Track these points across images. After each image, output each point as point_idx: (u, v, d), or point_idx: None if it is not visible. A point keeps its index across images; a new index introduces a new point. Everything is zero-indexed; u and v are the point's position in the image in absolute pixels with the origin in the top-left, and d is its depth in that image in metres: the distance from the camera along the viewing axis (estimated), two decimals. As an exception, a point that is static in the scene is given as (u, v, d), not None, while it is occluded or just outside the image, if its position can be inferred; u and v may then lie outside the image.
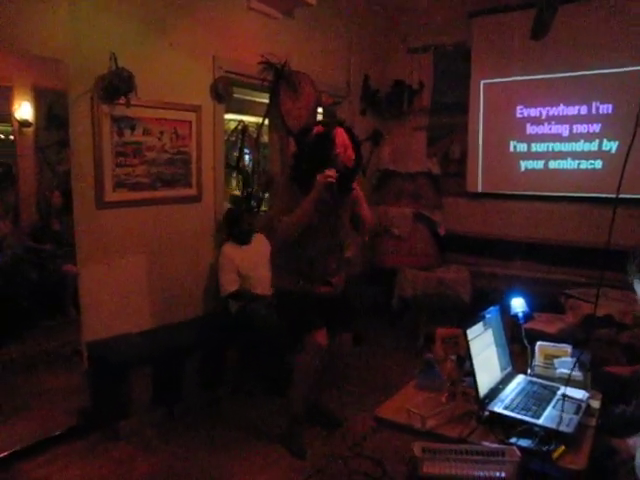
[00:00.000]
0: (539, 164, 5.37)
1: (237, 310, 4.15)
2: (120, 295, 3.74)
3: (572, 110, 5.15)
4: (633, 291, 1.70)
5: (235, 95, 4.67)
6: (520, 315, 2.75)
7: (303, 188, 3.05)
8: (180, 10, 3.93)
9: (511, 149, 5.49)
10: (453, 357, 2.44)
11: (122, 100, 3.50)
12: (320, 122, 3.23)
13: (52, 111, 3.39)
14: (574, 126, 5.16)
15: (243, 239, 4.26)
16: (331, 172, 2.96)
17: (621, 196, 1.72)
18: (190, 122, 4.06)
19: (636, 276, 1.64)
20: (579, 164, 5.17)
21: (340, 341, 3.47)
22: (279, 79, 4.60)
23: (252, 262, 4.17)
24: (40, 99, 3.32)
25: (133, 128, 3.69)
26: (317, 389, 3.65)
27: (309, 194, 3.02)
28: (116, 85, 3.43)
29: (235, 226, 4.25)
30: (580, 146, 5.15)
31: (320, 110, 5.19)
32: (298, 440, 3.33)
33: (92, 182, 3.51)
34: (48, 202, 3.45)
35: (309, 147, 3.09)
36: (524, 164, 5.44)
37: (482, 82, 5.58)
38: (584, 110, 5.10)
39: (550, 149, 5.29)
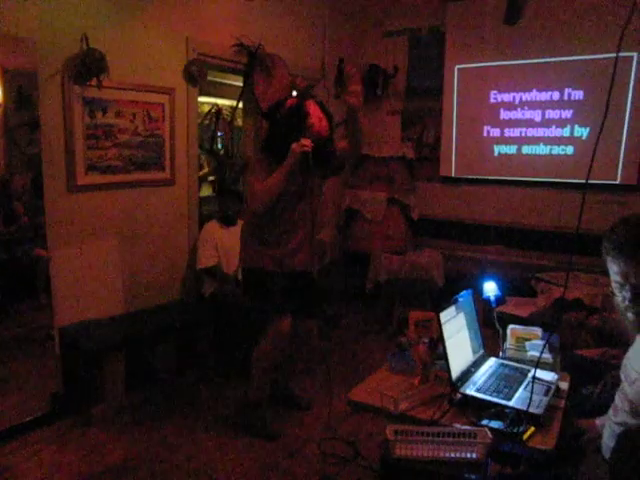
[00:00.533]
0: (512, 149, 5.41)
1: (211, 294, 4.14)
2: (93, 280, 3.70)
3: (545, 96, 5.20)
4: (606, 273, 1.72)
5: (209, 78, 4.61)
6: (492, 299, 2.77)
7: (278, 161, 3.03)
8: (152, -10, 3.85)
9: (485, 134, 5.53)
10: (426, 340, 2.46)
11: (94, 81, 3.43)
12: (292, 95, 3.20)
13: (22, 91, 3.31)
14: (546, 111, 5.20)
15: (228, 221, 4.27)
16: (306, 141, 2.97)
17: (591, 182, 1.74)
18: (163, 104, 4.00)
19: (610, 253, 1.66)
20: (551, 150, 5.23)
21: (306, 329, 3.45)
22: (253, 62, 4.56)
23: (232, 244, 4.15)
24: (9, 79, 3.23)
25: (105, 110, 3.62)
26: (285, 374, 3.67)
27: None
28: (87, 66, 3.36)
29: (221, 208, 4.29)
30: (552, 132, 5.20)
31: (294, 94, 5.15)
32: (265, 424, 3.33)
33: (63, 165, 3.45)
34: (8, 185, 3.36)
35: (283, 119, 3.07)
36: (497, 149, 5.49)
37: (456, 67, 5.59)
38: (556, 96, 5.15)
39: (523, 134, 5.34)
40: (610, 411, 1.82)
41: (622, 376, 1.80)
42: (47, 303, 3.43)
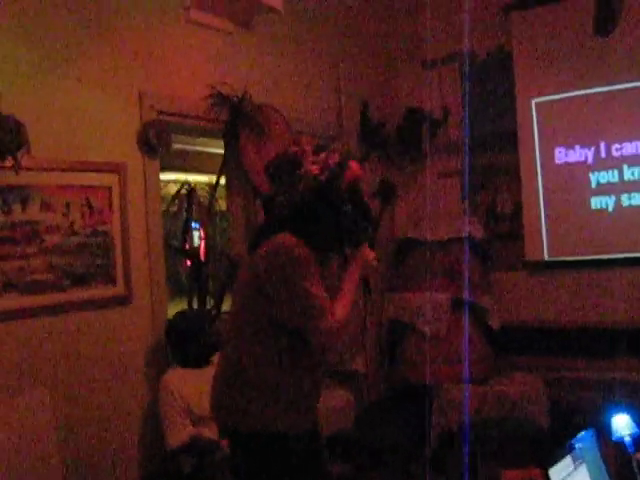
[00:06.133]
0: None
1: (193, 469, 4.03)
2: (12, 451, 3.63)
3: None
4: None
5: (175, 145, 4.71)
6: (628, 440, 2.71)
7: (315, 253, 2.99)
8: (92, 30, 4.00)
9: (593, 185, 5.52)
10: (531, 513, 2.37)
11: (8, 161, 3.50)
12: (345, 155, 3.11)
13: None
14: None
15: (199, 361, 4.19)
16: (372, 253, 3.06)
17: None
18: (110, 188, 4.07)
19: None
20: None
21: None
22: (237, 119, 4.65)
23: (207, 390, 4.05)
24: None
25: (25, 201, 3.68)
26: None
27: (347, 268, 3.02)
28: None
29: (189, 343, 4.18)
30: None
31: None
32: None
33: (-33, 286, 3.49)
34: None
35: (353, 200, 3.04)
36: (614, 211, 5.46)
37: (534, 101, 5.69)
38: None
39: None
40: None
41: None
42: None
